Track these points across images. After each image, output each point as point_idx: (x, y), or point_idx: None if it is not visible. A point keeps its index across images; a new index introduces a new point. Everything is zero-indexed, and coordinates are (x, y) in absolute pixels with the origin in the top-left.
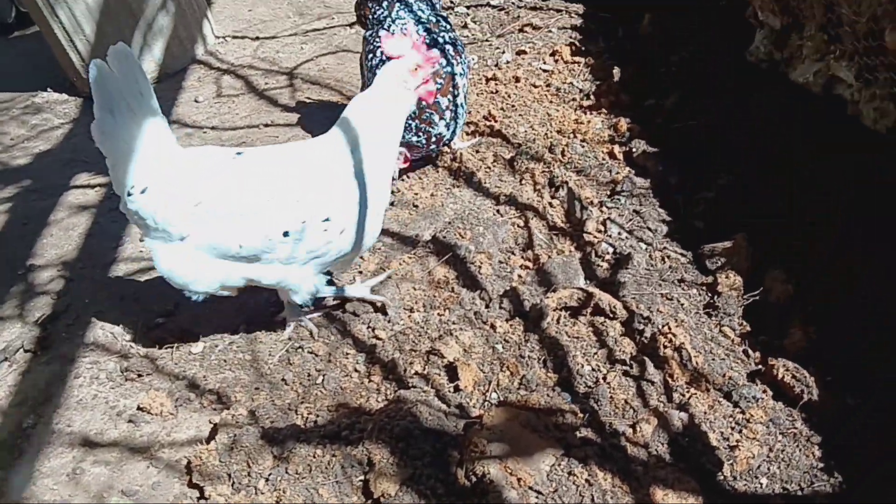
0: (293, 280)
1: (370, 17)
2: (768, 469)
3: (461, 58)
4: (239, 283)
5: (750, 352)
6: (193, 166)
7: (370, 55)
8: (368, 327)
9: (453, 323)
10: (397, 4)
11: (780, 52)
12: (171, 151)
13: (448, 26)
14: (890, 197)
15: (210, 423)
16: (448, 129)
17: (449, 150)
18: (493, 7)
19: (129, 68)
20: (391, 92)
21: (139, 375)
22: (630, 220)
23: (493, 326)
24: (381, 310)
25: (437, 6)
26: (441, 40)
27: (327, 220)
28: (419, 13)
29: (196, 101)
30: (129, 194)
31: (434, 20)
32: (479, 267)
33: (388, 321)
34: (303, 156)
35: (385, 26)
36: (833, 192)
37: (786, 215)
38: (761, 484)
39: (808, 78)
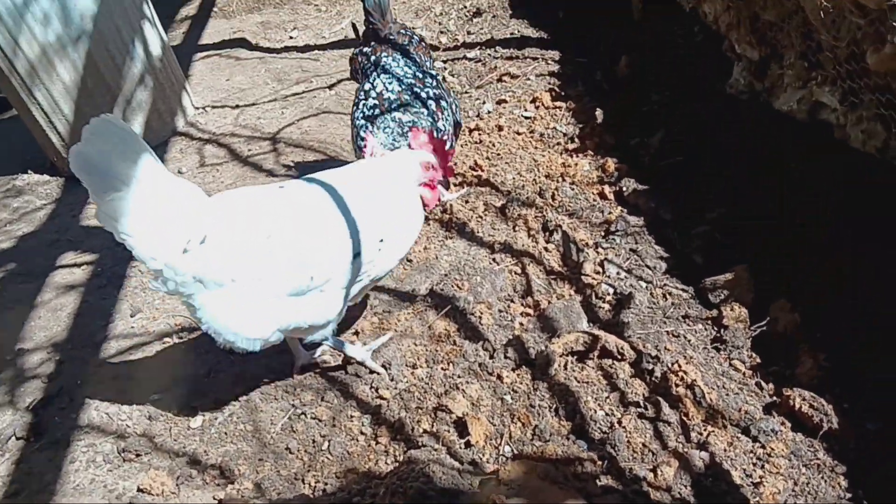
0: (331, 311)
1: (359, 69)
2: (796, 503)
3: (444, 114)
4: (288, 325)
5: (763, 384)
6: (243, 205)
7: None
8: (371, 387)
9: (458, 376)
10: (381, 63)
11: (760, 82)
12: (202, 199)
13: (434, 82)
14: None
15: (214, 499)
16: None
17: (439, 203)
18: (470, 59)
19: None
20: (397, 172)
21: (137, 455)
22: (627, 259)
23: (499, 377)
24: (386, 367)
25: (427, 63)
26: (424, 95)
27: (381, 240)
28: (403, 69)
29: (180, 173)
30: (185, 251)
31: (420, 76)
32: (480, 317)
33: (392, 379)
34: (347, 183)
35: (364, 88)
36: (830, 215)
37: (785, 243)
38: None
39: (793, 105)
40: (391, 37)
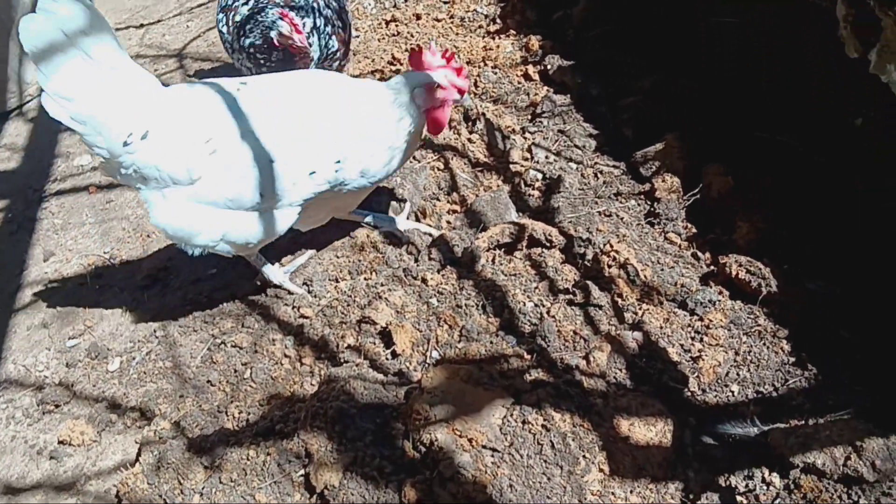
0: (272, 230)
1: None
2: (738, 374)
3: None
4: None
5: (699, 254)
6: (197, 102)
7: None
8: (293, 307)
9: (381, 285)
10: None
11: None
12: (158, 90)
13: None
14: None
15: (136, 443)
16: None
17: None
18: None
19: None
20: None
21: (56, 406)
22: (556, 141)
23: (424, 280)
24: (307, 283)
25: None
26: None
27: (338, 161)
28: None
29: None
30: (126, 144)
31: None
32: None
33: (315, 296)
34: (310, 94)
35: None
36: (756, 67)
37: (714, 105)
38: (732, 392)
39: None
40: None
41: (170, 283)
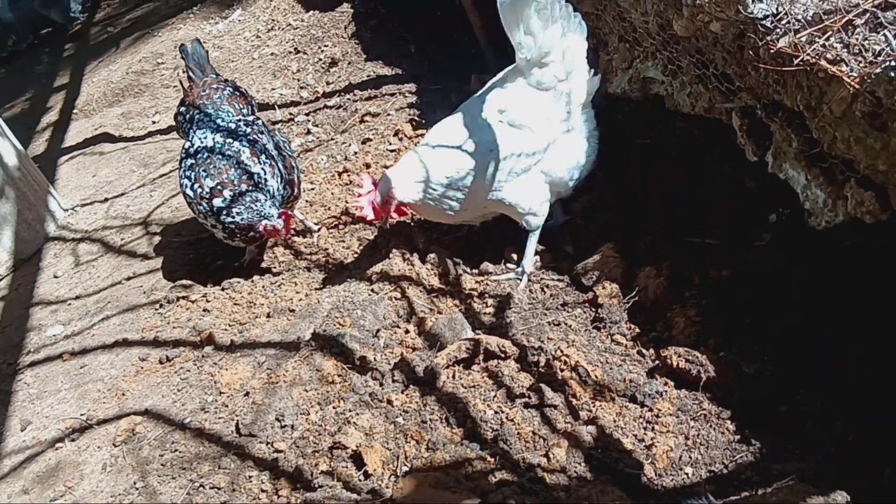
0: None
1: (180, 127)
2: (690, 457)
3: (260, 157)
4: None
5: (644, 350)
6: None
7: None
8: (267, 444)
9: (350, 410)
10: (195, 119)
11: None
12: None
13: (249, 130)
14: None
15: None
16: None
17: (312, 241)
18: (331, 108)
19: None
20: None
21: None
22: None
23: (389, 402)
24: (279, 419)
25: (243, 112)
26: (237, 146)
27: None
28: (223, 118)
29: (55, 277)
30: None
31: (235, 126)
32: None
33: (291, 427)
34: None
35: (184, 146)
36: (675, 178)
37: (644, 214)
38: (687, 474)
39: (625, 87)
40: (203, 92)
41: (146, 436)
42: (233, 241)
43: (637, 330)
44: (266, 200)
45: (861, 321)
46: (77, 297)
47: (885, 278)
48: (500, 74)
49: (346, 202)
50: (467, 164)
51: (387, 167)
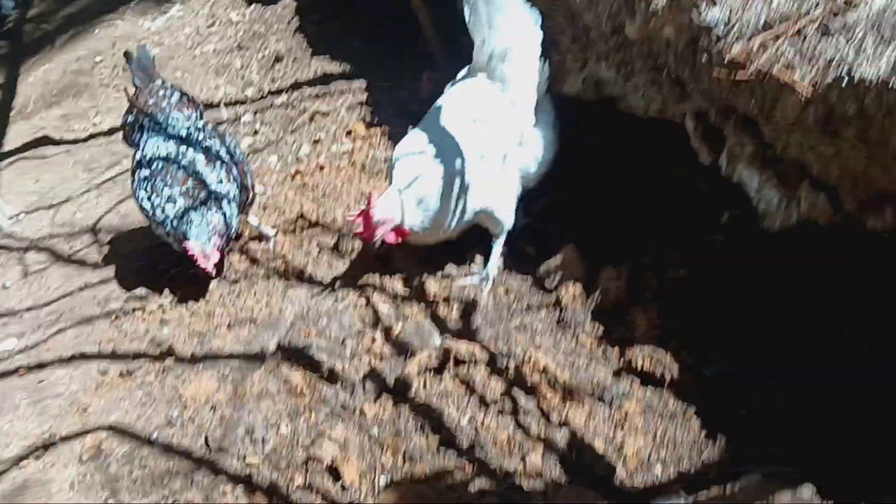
0: None
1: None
2: (658, 455)
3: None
4: None
5: (609, 351)
6: None
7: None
8: (238, 458)
9: (322, 423)
10: (145, 127)
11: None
12: None
13: (201, 135)
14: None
15: None
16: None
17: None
18: (279, 106)
19: None
20: None
21: None
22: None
23: (362, 412)
24: (249, 432)
25: (193, 117)
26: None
27: None
28: (174, 125)
29: (5, 288)
30: None
31: (188, 132)
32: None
33: (262, 441)
34: None
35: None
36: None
37: (602, 214)
38: (657, 473)
39: (578, 88)
40: (150, 100)
41: (113, 452)
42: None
43: (601, 331)
44: (213, 219)
45: (814, 320)
46: (29, 309)
47: (837, 279)
48: (460, 78)
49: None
50: (458, 177)
51: (340, 168)
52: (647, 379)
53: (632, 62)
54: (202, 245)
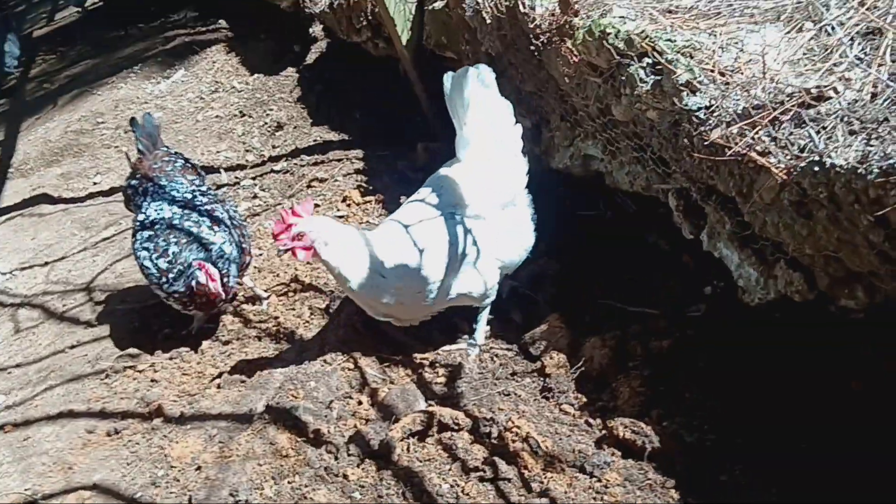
0: None
1: (130, 200)
2: None
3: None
4: None
5: (591, 420)
6: None
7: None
8: None
9: (305, 486)
10: (148, 192)
11: (537, 146)
12: None
13: (204, 200)
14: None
15: None
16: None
17: (262, 308)
18: (278, 172)
19: None
20: None
21: None
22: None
23: (345, 476)
24: (233, 494)
25: (196, 182)
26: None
27: None
28: (178, 190)
29: None
30: None
31: (192, 196)
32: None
33: (246, 503)
34: None
35: (138, 218)
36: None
37: (587, 284)
38: None
39: (567, 162)
40: (155, 165)
41: None
42: (188, 309)
43: (584, 399)
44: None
45: (791, 392)
46: (18, 366)
47: (814, 353)
48: (443, 170)
49: (296, 268)
50: (439, 265)
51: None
52: (627, 449)
53: (618, 141)
54: (210, 267)
